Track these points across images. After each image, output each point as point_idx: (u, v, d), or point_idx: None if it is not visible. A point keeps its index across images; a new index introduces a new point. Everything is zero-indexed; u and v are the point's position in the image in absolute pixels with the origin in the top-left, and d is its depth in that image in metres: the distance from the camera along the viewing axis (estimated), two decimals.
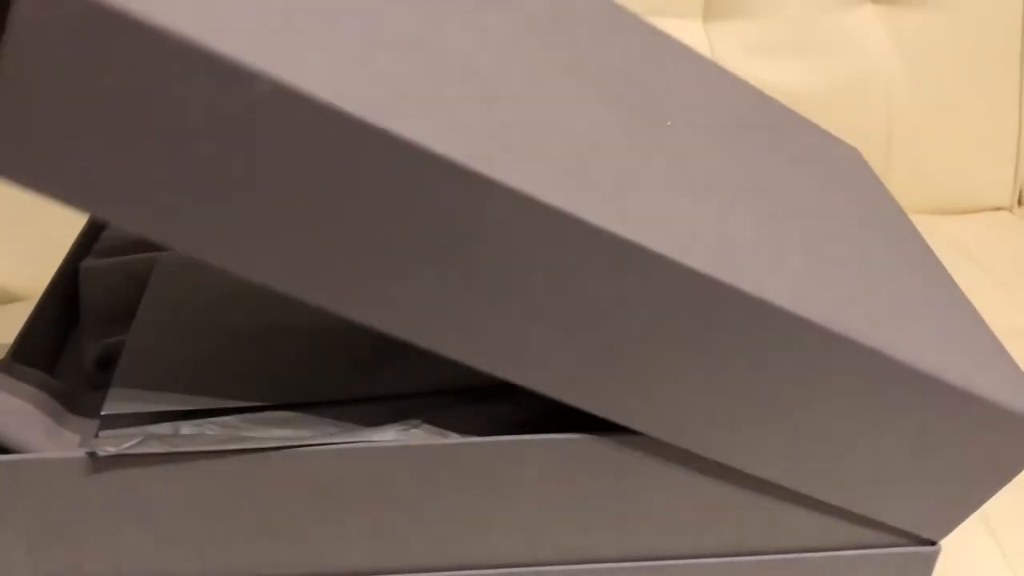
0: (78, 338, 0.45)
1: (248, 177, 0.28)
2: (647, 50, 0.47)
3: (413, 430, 0.35)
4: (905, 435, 0.33)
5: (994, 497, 0.36)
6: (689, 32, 0.75)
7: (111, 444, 0.32)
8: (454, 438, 0.35)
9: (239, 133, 0.27)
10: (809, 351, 0.31)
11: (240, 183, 0.28)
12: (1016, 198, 0.80)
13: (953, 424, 0.33)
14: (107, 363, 0.42)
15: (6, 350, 0.39)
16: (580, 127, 0.35)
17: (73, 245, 0.48)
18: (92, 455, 0.32)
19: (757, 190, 0.39)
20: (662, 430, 0.33)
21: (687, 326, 0.31)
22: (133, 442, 0.32)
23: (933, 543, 0.37)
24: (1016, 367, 0.36)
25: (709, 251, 0.31)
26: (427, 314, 0.30)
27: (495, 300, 0.30)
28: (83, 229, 0.50)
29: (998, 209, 0.80)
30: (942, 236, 0.73)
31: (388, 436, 0.34)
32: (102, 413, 0.35)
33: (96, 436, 0.34)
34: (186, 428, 0.35)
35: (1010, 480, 0.35)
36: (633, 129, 0.37)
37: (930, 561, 0.37)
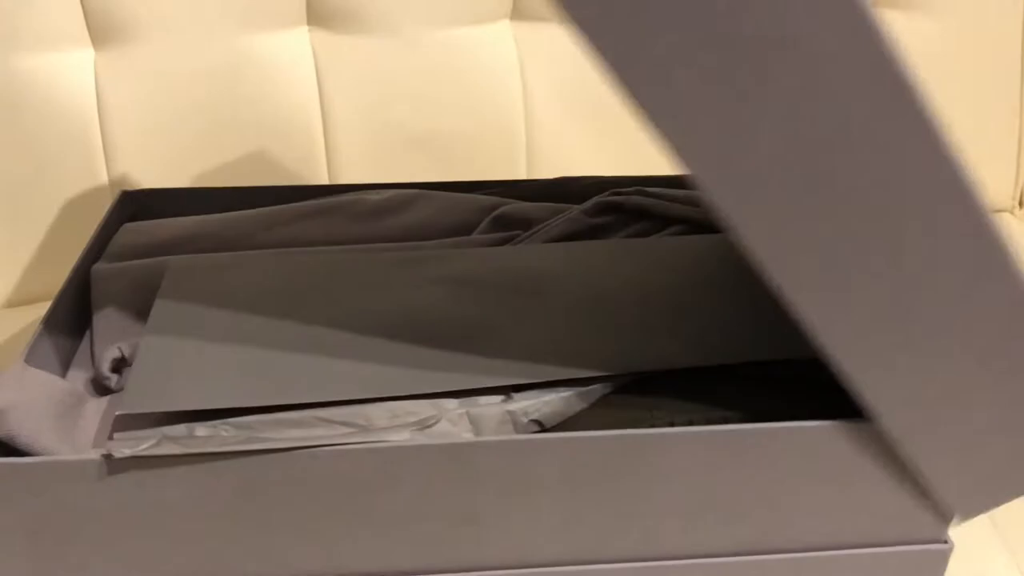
0: (90, 341, 0.45)
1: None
2: None
3: (427, 430, 0.35)
4: (1010, 400, 0.33)
5: None
6: None
7: (126, 446, 0.32)
8: (468, 437, 0.35)
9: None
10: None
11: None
12: (1017, 200, 0.81)
13: None
14: (119, 366, 0.42)
15: (20, 353, 0.39)
16: None
17: (84, 249, 0.48)
18: (107, 457, 0.32)
19: None
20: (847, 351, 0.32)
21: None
22: (148, 444, 0.32)
23: (944, 541, 0.37)
24: None
25: None
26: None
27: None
28: (94, 234, 0.50)
29: (999, 211, 0.81)
30: None
31: (402, 436, 0.34)
32: (117, 414, 0.35)
33: (111, 438, 0.34)
34: (201, 429, 0.35)
35: None
36: None
37: (943, 558, 0.37)
